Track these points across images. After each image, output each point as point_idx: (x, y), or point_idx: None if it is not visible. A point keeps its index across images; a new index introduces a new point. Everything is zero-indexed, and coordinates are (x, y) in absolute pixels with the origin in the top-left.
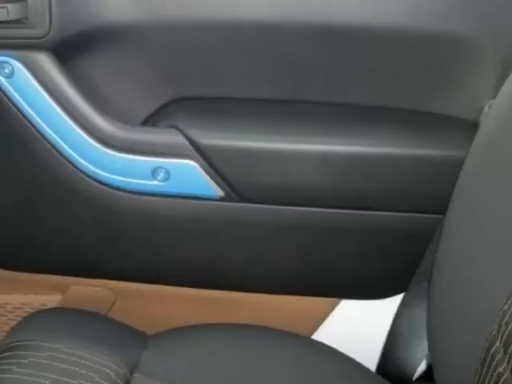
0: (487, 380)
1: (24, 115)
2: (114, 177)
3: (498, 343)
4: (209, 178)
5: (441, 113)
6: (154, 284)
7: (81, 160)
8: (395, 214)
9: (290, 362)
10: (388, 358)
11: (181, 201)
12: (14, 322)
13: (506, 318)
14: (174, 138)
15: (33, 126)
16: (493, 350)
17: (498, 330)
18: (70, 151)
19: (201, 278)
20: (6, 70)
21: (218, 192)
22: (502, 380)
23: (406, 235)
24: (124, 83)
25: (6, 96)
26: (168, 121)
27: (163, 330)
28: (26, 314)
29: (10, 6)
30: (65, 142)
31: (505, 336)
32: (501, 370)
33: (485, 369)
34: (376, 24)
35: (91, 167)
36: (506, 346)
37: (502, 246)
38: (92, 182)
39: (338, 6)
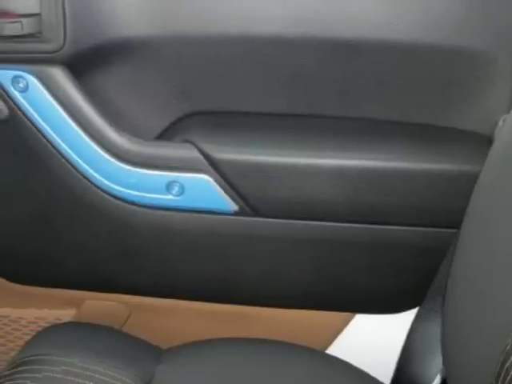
0: None
1: (39, 130)
2: (128, 191)
3: None
4: (223, 192)
5: (455, 127)
6: (169, 298)
7: (96, 175)
8: (409, 228)
9: (304, 377)
10: (402, 373)
11: (195, 215)
12: (29, 337)
13: None
14: (189, 153)
15: (48, 140)
16: (507, 364)
17: None
18: (85, 166)
19: (215, 292)
20: (21, 85)
21: (232, 206)
22: None
23: (420, 249)
24: (138, 98)
25: (21, 110)
26: (183, 135)
27: (177, 345)
28: (40, 329)
29: (24, 20)
30: (79, 157)
31: None
32: None
33: (499, 383)
34: (391, 39)
35: (106, 182)
36: None
37: None
38: (107, 196)
39: (353, 20)
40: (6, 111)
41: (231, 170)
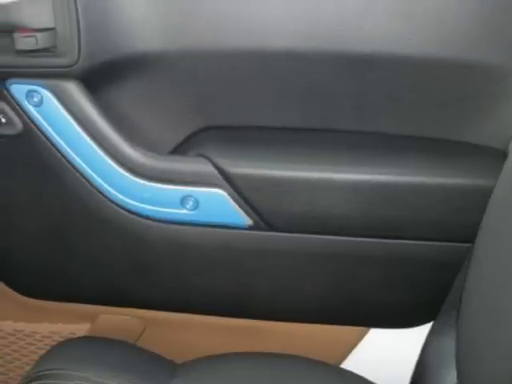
0: None
1: (53, 144)
2: (143, 206)
3: None
4: (237, 206)
5: (470, 141)
6: (183, 313)
7: (110, 189)
8: (424, 242)
9: None
10: None
11: (209, 229)
12: (43, 351)
13: None
14: (203, 167)
15: (62, 155)
16: None
17: None
18: (99, 180)
19: (229, 306)
20: (35, 99)
21: (246, 221)
22: None
23: (434, 264)
24: (153, 112)
25: (35, 125)
26: (197, 149)
27: (192, 359)
28: (54, 343)
29: (38, 34)
30: (94, 171)
31: None
32: None
33: None
34: (404, 53)
35: (120, 196)
36: None
37: None
38: (121, 211)
39: (367, 35)
40: (20, 125)
41: (245, 184)
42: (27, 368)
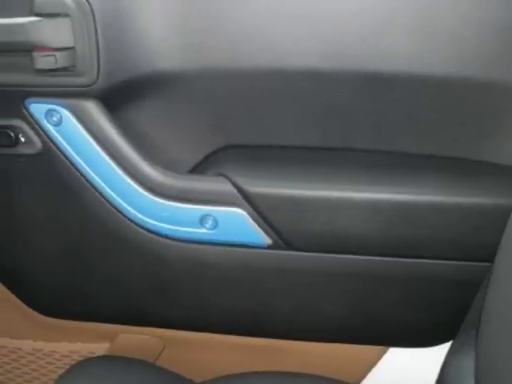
0: None
1: (72, 163)
2: (162, 225)
3: None
4: (257, 225)
5: (489, 161)
6: (202, 332)
7: (129, 208)
8: (443, 261)
9: None
10: None
11: (229, 249)
12: (62, 370)
13: None
14: (222, 186)
15: (81, 174)
16: None
17: None
18: (119, 199)
19: (248, 325)
20: (54, 118)
21: (265, 240)
22: None
23: (453, 283)
24: (172, 131)
25: (54, 144)
26: (216, 169)
27: (211, 378)
28: (73, 362)
29: (58, 54)
30: (113, 191)
31: None
32: None
33: None
34: (424, 72)
35: (139, 215)
36: None
37: None
38: (140, 230)
39: (386, 54)
40: (39, 145)
41: (265, 203)
42: None
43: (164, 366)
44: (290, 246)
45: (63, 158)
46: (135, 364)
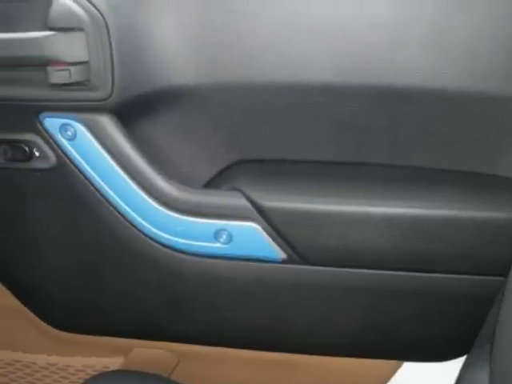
0: None
1: (86, 178)
2: (176, 239)
3: None
4: (271, 240)
5: (503, 175)
6: (217, 346)
7: (144, 223)
8: (457, 276)
9: None
10: None
11: (243, 263)
12: None
13: None
14: (237, 201)
15: (95, 188)
16: None
17: None
18: (133, 214)
19: (263, 340)
20: (69, 133)
21: (280, 254)
22: None
23: (467, 297)
24: (187, 146)
25: (69, 158)
26: (230, 183)
27: None
28: (88, 377)
29: (72, 68)
30: (128, 205)
31: None
32: None
33: None
34: (439, 87)
35: (154, 230)
36: None
37: None
38: (155, 244)
39: (401, 68)
40: (53, 159)
41: (279, 217)
42: None
43: (178, 380)
44: (304, 260)
45: (77, 172)
46: (150, 378)
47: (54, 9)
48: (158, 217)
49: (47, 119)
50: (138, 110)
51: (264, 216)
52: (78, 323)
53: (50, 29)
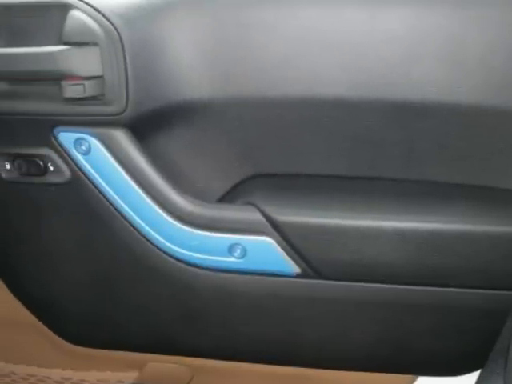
0: None
1: (101, 192)
2: (190, 254)
3: None
4: (285, 254)
5: None
6: (231, 361)
7: (158, 237)
8: (471, 290)
9: None
10: None
11: (257, 277)
12: None
13: None
14: (251, 215)
15: (110, 203)
16: None
17: None
18: (147, 228)
19: (277, 354)
20: (83, 147)
21: (294, 269)
22: None
23: (481, 312)
24: (201, 160)
25: (83, 173)
26: (245, 198)
27: None
28: None
29: (86, 82)
30: (142, 219)
31: None
32: None
33: None
34: (453, 101)
35: (168, 244)
36: None
37: None
38: (169, 259)
39: (415, 82)
40: (68, 173)
41: (293, 232)
42: None
43: None
44: (318, 274)
45: (92, 186)
46: None
47: (69, 23)
48: (172, 231)
49: (62, 133)
50: (153, 124)
51: (278, 230)
52: (92, 337)
53: (65, 43)
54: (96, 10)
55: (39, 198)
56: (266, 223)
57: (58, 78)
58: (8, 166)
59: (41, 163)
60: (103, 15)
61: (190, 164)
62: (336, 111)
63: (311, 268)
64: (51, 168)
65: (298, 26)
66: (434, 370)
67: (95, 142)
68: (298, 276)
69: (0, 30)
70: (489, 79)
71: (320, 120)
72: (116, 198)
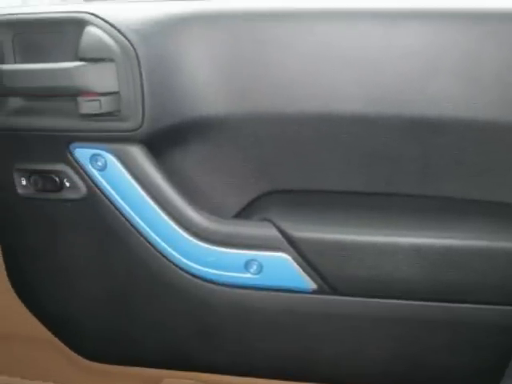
0: None
1: (117, 208)
2: (206, 270)
3: None
4: (301, 270)
5: None
6: (247, 377)
7: (174, 253)
8: (487, 306)
9: None
10: None
11: (273, 293)
12: None
13: None
14: (267, 231)
15: (126, 219)
16: None
17: None
18: (163, 244)
19: (293, 370)
20: (99, 163)
21: (310, 285)
22: None
23: (498, 328)
24: (217, 176)
25: (99, 189)
26: (261, 214)
27: None
28: None
29: (102, 98)
30: (158, 236)
31: None
32: None
33: None
34: (470, 117)
35: (184, 260)
36: None
37: None
38: (185, 275)
39: (432, 98)
40: (84, 189)
41: (310, 248)
42: None
43: None
44: (334, 290)
45: (108, 202)
46: None
47: (85, 39)
48: (188, 247)
49: (78, 149)
50: (169, 140)
51: (294, 246)
52: (108, 353)
53: (81, 59)
54: (112, 25)
55: (55, 214)
56: (282, 239)
57: (74, 94)
58: (24, 182)
59: (57, 179)
60: (119, 31)
61: (205, 180)
62: (353, 127)
63: (327, 284)
64: (67, 184)
65: (315, 42)
66: None
67: (111, 158)
68: (314, 292)
69: (17, 47)
70: (505, 95)
71: (337, 136)
72: (132, 214)
